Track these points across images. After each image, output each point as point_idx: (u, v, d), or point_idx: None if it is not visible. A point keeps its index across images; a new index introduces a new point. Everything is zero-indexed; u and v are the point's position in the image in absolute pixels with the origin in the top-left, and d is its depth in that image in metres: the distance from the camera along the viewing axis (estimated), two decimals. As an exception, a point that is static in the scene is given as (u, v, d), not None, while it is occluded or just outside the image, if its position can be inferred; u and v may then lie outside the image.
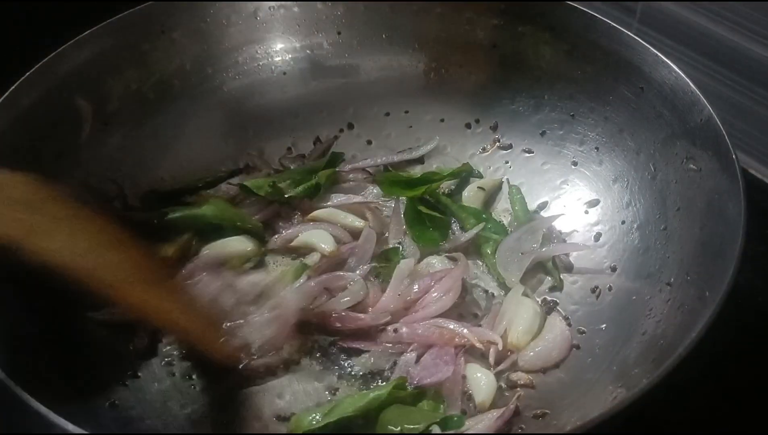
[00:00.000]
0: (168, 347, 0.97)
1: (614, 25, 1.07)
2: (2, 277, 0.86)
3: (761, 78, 1.18)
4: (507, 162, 1.18)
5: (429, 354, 0.93)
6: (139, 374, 0.94)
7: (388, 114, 1.23)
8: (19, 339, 0.85)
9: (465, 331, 0.94)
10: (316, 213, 1.11)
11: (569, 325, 0.98)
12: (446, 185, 1.15)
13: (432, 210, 1.10)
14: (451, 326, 0.95)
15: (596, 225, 1.07)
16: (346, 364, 0.95)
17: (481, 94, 1.20)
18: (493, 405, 0.89)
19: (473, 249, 1.07)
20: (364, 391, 0.90)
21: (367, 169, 1.18)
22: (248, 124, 1.21)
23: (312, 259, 1.05)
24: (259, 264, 1.07)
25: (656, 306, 0.92)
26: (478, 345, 0.94)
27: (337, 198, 1.13)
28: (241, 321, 0.93)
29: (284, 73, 1.23)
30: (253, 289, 0.96)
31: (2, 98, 0.98)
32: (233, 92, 1.21)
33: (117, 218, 0.92)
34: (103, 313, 0.97)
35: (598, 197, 1.09)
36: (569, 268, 1.05)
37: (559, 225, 1.09)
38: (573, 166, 1.13)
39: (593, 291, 1.01)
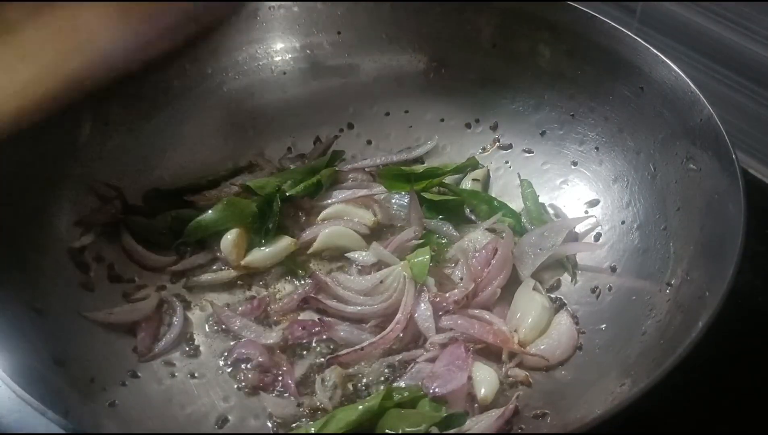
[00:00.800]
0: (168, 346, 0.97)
1: (614, 25, 1.07)
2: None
3: (761, 78, 1.18)
4: (507, 162, 1.18)
5: (441, 360, 0.92)
6: (139, 374, 0.94)
7: (388, 114, 1.23)
8: (20, 339, 0.85)
9: (504, 327, 0.95)
10: (326, 212, 1.12)
11: (576, 323, 0.98)
12: (448, 181, 1.16)
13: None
14: (487, 317, 0.97)
15: (596, 225, 1.07)
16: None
17: (481, 94, 1.20)
18: (495, 402, 0.89)
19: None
20: (354, 404, 0.88)
21: (367, 169, 1.18)
22: (248, 124, 1.21)
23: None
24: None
25: (656, 306, 0.92)
26: (498, 343, 0.94)
27: (341, 194, 1.14)
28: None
29: (284, 73, 1.23)
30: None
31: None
32: (233, 92, 1.21)
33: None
34: (103, 313, 0.97)
35: (598, 197, 1.09)
36: (574, 267, 1.05)
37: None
38: (573, 166, 1.13)
39: (593, 291, 1.01)
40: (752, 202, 0.86)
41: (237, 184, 1.14)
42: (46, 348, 0.87)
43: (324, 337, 0.97)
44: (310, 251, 1.08)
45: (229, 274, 1.06)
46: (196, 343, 0.99)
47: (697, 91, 0.97)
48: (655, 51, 1.02)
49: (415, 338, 0.97)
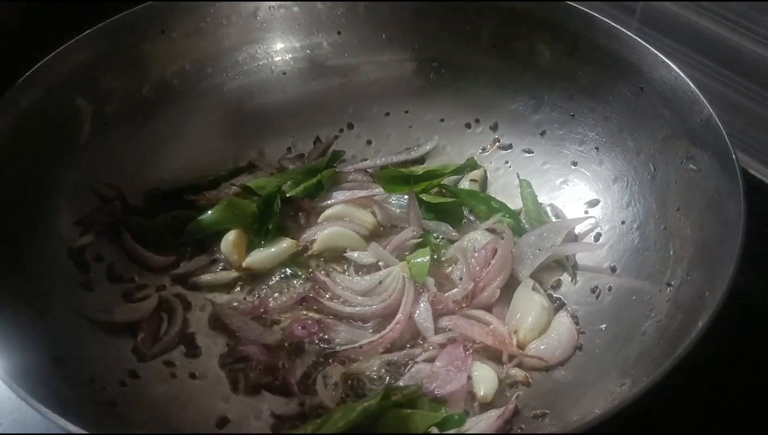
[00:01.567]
0: (168, 346, 0.97)
1: (614, 25, 1.07)
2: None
3: (761, 78, 1.18)
4: (507, 162, 1.18)
5: (440, 360, 0.92)
6: (139, 374, 0.94)
7: (388, 114, 1.23)
8: (20, 339, 0.85)
9: (503, 328, 0.95)
10: (327, 213, 1.11)
11: (576, 323, 0.98)
12: (447, 181, 1.16)
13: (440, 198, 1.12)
14: (487, 317, 0.97)
15: (596, 225, 1.07)
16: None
17: (481, 94, 1.20)
18: (494, 402, 0.89)
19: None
20: (352, 404, 0.88)
21: (367, 170, 1.18)
22: (248, 124, 1.21)
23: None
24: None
25: (656, 306, 0.92)
26: (496, 345, 0.94)
27: (341, 195, 1.14)
28: None
29: (284, 73, 1.23)
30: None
31: (2, 98, 0.98)
32: (233, 92, 1.21)
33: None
34: (103, 313, 0.97)
35: (598, 197, 1.09)
36: (573, 268, 1.05)
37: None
38: (573, 166, 1.13)
39: (593, 291, 1.01)
40: (752, 202, 0.86)
41: (237, 184, 1.14)
42: (46, 348, 0.87)
43: (324, 336, 0.97)
44: (310, 252, 1.08)
45: (229, 274, 1.06)
46: (196, 343, 0.98)
47: (697, 91, 0.97)
48: (655, 51, 1.02)
49: (414, 338, 0.97)
